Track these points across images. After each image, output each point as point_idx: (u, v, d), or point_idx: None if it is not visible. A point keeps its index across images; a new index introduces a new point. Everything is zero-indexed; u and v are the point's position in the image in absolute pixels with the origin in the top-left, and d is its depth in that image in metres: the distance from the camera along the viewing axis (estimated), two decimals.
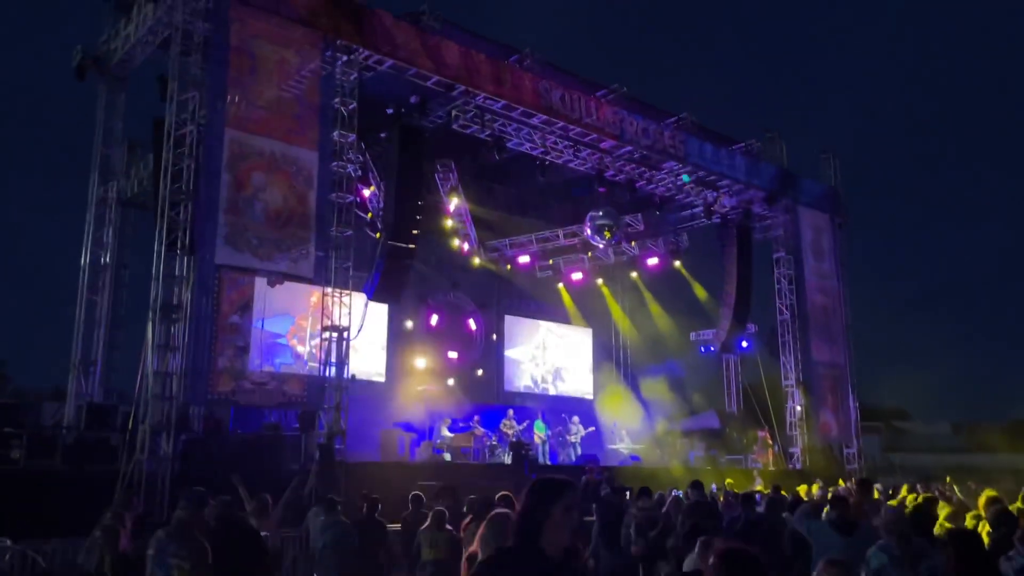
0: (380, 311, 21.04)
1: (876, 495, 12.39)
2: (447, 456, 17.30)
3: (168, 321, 11.85)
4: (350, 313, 13.86)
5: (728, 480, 15.72)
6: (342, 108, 14.33)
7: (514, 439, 18.12)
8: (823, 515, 6.66)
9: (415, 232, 15.43)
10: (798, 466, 21.65)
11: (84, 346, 14.69)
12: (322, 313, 13.67)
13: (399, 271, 15.26)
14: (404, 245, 15.13)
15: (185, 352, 12.01)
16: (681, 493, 9.37)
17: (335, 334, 13.60)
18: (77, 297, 14.84)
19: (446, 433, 18.14)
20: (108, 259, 15.07)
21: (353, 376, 13.95)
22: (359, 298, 15.07)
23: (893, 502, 9.49)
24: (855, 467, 22.65)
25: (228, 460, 12.86)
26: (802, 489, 15.15)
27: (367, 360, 20.84)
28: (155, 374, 11.62)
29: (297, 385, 13.20)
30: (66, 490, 10.89)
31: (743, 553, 2.87)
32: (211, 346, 12.08)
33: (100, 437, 11.96)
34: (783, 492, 11.02)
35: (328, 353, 13.46)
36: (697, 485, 8.62)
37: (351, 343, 20.36)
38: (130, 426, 11.90)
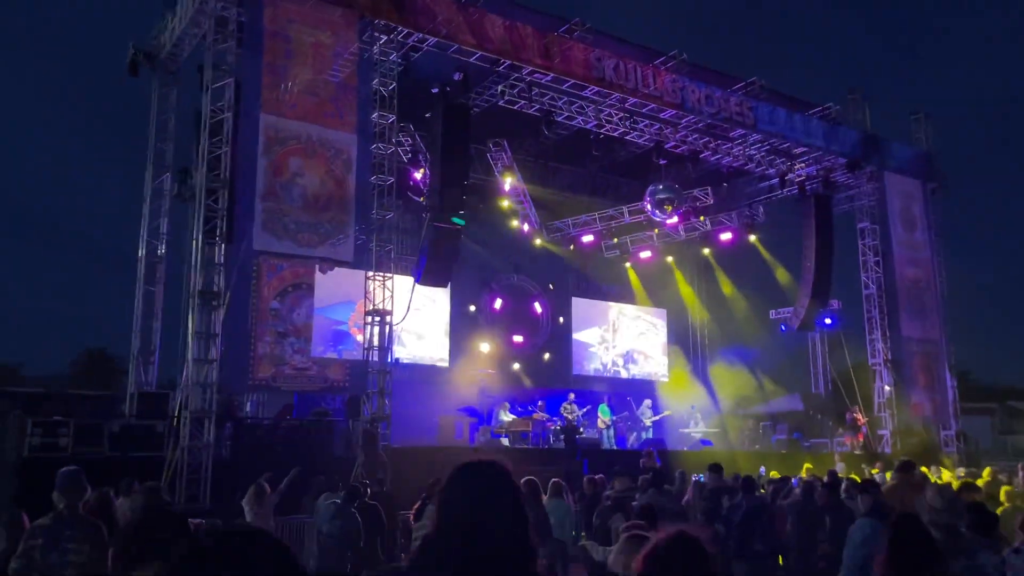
0: (442, 296, 20.89)
1: (942, 477, 11.30)
2: (505, 441, 16.94)
3: (208, 309, 11.88)
4: (393, 297, 13.61)
5: (807, 465, 14.72)
6: (381, 89, 14.07)
7: (574, 423, 17.59)
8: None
9: (462, 213, 15.06)
10: (887, 450, 20.25)
11: (143, 337, 15.00)
12: (365, 297, 13.48)
13: (447, 253, 14.90)
14: (451, 226, 14.76)
15: (225, 339, 12.05)
16: (703, 478, 8.68)
17: (378, 318, 13.38)
18: (135, 289, 15.16)
19: (505, 417, 17.79)
20: (164, 250, 15.32)
21: (398, 360, 13.71)
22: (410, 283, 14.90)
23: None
24: (953, 450, 21.07)
25: (275, 447, 12.94)
26: (875, 471, 14.11)
27: (431, 346, 20.76)
28: (195, 361, 11.68)
29: (339, 371, 13.07)
30: (110, 478, 11.07)
31: (673, 547, 2.23)
32: (251, 333, 12.04)
33: (147, 425, 12.10)
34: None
35: (371, 337, 13.25)
36: (716, 468, 7.91)
37: (411, 328, 20.51)
38: (175, 414, 12.04)
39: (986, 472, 11.72)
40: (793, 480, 9.56)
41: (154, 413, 12.71)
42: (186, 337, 12.25)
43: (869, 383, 21.28)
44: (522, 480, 7.51)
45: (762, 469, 9.67)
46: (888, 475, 12.52)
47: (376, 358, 13.30)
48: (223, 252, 12.07)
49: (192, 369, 11.71)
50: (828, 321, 22.15)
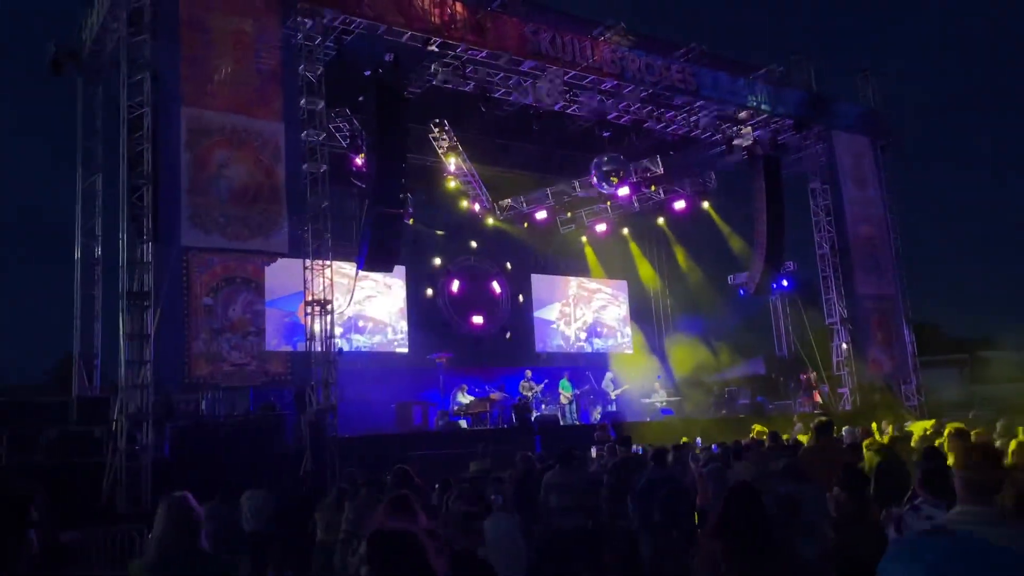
0: (398, 282, 20.75)
1: (890, 436, 11.36)
2: (463, 423, 16.89)
3: (138, 309, 11.65)
4: (333, 285, 13.44)
5: (757, 427, 14.77)
6: (308, 75, 13.79)
7: (532, 400, 17.55)
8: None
9: (402, 196, 14.88)
10: (847, 407, 20.42)
11: (84, 340, 14.75)
12: (304, 288, 13.30)
13: (389, 238, 14.70)
14: (392, 211, 14.57)
15: (160, 339, 11.84)
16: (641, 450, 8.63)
17: (319, 308, 13.20)
18: (73, 292, 14.87)
19: (463, 400, 17.73)
20: (100, 251, 15.03)
21: (341, 350, 13.55)
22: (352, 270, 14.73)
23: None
24: (914, 403, 21.29)
25: (220, 444, 12.76)
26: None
27: (389, 332, 20.63)
28: (128, 363, 11.47)
29: (281, 364, 12.90)
30: (46, 484, 10.90)
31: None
32: (184, 331, 11.84)
33: (85, 431, 11.90)
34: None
35: (312, 328, 13.08)
36: (625, 441, 7.88)
37: (368, 316, 20.36)
38: (113, 418, 11.84)
39: (928, 424, 11.83)
40: (713, 447, 9.55)
41: (95, 418, 12.50)
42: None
43: (828, 342, 21.41)
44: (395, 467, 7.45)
45: (698, 440, 9.64)
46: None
47: (319, 348, 13.12)
48: (151, 250, 11.81)
49: (126, 371, 11.50)
50: (785, 283, 22.20)
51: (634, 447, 10.36)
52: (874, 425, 15.14)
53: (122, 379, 11.52)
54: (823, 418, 7.73)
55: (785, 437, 11.19)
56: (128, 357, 11.51)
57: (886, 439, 9.59)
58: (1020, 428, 8.40)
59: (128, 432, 11.42)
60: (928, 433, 9.28)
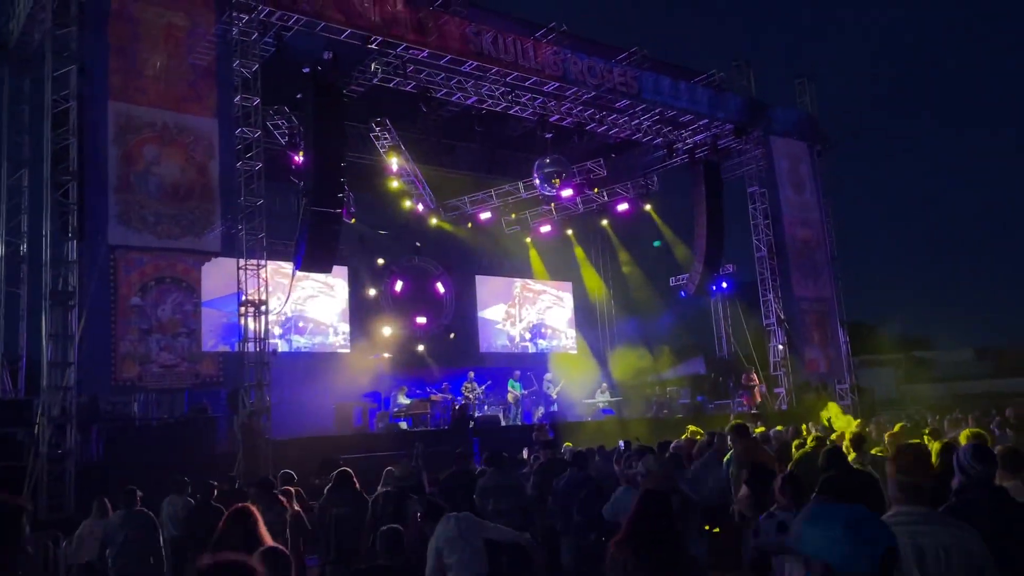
0: (340, 282, 20.55)
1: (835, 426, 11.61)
2: (404, 425, 16.78)
3: (62, 309, 11.33)
4: (267, 286, 13.24)
5: (691, 428, 14.97)
6: (244, 71, 13.56)
7: (475, 401, 17.54)
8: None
9: (341, 196, 14.70)
10: (784, 407, 20.85)
11: (7, 341, 14.28)
12: (237, 288, 13.07)
13: (327, 238, 14.51)
14: (329, 210, 14.40)
15: (87, 340, 11.53)
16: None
17: (252, 309, 12.99)
18: None
19: (403, 401, 17.61)
20: (25, 249, 14.57)
21: (275, 351, 13.35)
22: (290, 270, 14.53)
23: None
24: (848, 403, 21.81)
25: (150, 447, 12.50)
26: (759, 430, 14.43)
27: (330, 332, 20.42)
28: (51, 365, 11.14)
29: (212, 365, 12.65)
30: None
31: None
32: (111, 331, 11.54)
33: (6, 434, 11.54)
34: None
35: (245, 329, 12.87)
36: (550, 444, 7.96)
37: (309, 316, 20.12)
38: (36, 420, 11.49)
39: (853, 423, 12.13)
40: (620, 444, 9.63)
41: (17, 420, 12.13)
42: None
43: (766, 343, 21.83)
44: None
45: (620, 444, 9.75)
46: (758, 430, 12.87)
47: (253, 349, 12.91)
48: (75, 249, 11.49)
49: (49, 373, 11.16)
50: (724, 285, 22.57)
51: (579, 448, 10.44)
52: (803, 426, 15.52)
53: (45, 381, 11.17)
54: (736, 421, 7.87)
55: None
56: (51, 358, 11.18)
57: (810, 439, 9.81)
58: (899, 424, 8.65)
59: (51, 436, 11.09)
60: (849, 433, 9.51)
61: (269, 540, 3.69)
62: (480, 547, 5.24)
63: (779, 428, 12.48)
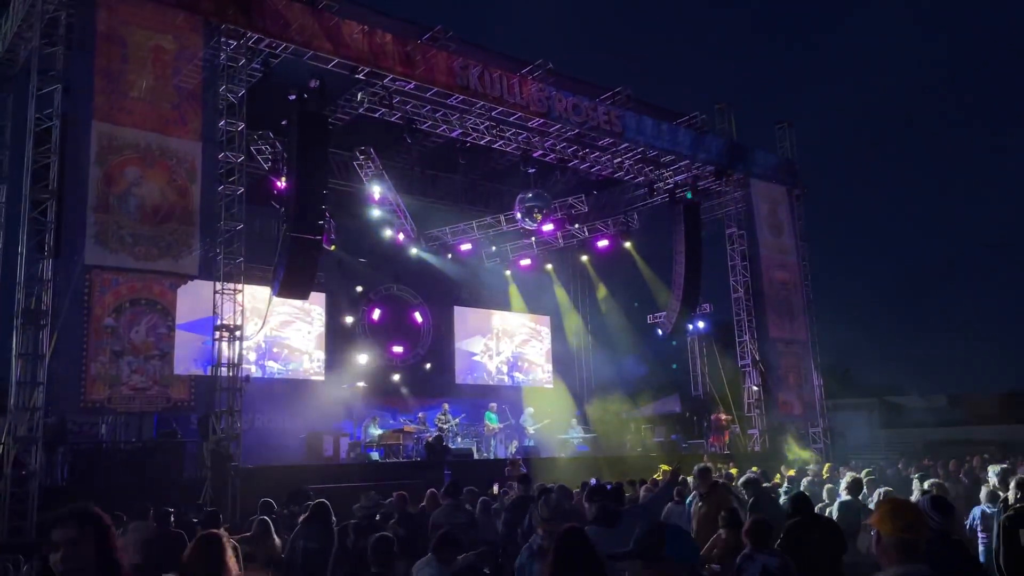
0: (317, 308, 20.47)
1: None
2: (375, 455, 16.64)
3: (34, 328, 11.19)
4: (244, 311, 13.17)
5: (664, 467, 14.98)
6: (230, 95, 13.62)
7: (448, 433, 17.44)
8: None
9: (321, 223, 14.74)
10: (757, 448, 20.92)
11: None
12: (213, 312, 13.00)
13: (306, 265, 14.49)
14: (309, 236, 14.39)
15: (57, 360, 11.39)
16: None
17: (227, 333, 12.91)
18: None
19: (375, 431, 17.48)
20: None
21: (247, 377, 13.24)
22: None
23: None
24: (820, 446, 21.92)
25: (116, 470, 12.30)
26: (733, 471, 14.45)
27: (305, 359, 20.31)
28: (19, 384, 10.98)
29: (183, 390, 12.51)
30: None
31: None
32: (82, 352, 11.40)
33: None
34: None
35: (219, 354, 12.77)
36: (524, 479, 7.96)
37: (284, 342, 20.00)
38: (2, 440, 11.28)
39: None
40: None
41: None
42: None
43: (740, 384, 21.95)
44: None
45: (592, 480, 9.79)
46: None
47: (225, 374, 12.80)
48: (50, 267, 11.40)
49: (17, 392, 11.00)
50: (700, 325, 22.72)
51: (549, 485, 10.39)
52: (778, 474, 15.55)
53: (12, 400, 11.00)
54: (704, 464, 7.93)
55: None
56: (19, 378, 11.02)
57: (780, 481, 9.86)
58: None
59: (16, 456, 10.89)
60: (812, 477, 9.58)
61: (235, 568, 3.64)
62: None
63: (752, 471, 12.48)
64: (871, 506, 8.20)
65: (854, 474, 10.03)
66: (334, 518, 7.33)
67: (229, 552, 3.72)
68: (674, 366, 25.88)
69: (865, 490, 8.72)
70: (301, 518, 7.42)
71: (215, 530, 4.42)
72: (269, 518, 8.09)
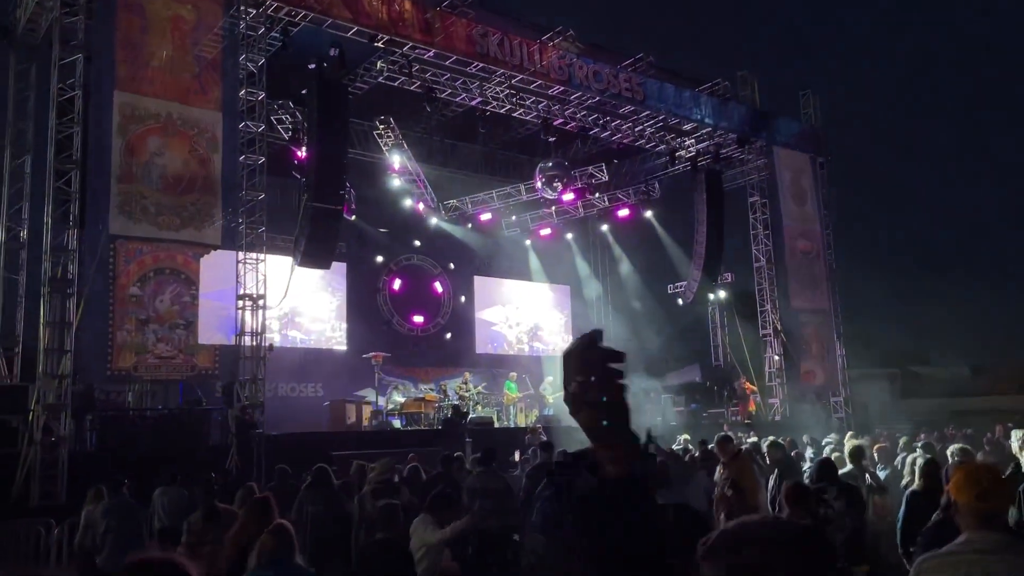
0: (339, 278, 20.55)
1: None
2: (397, 423, 16.80)
3: (60, 297, 11.35)
4: (266, 280, 13.26)
5: (684, 436, 15.01)
6: (250, 65, 13.59)
7: (469, 402, 17.55)
8: None
9: (342, 193, 14.75)
10: (778, 418, 20.88)
11: (5, 327, 14.29)
12: (236, 281, 13.10)
13: (327, 235, 14.55)
14: (330, 207, 14.42)
15: (85, 328, 11.56)
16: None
17: (250, 302, 13.01)
18: None
19: (398, 399, 17.63)
20: (25, 235, 14.58)
21: (271, 346, 13.37)
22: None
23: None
24: (842, 416, 21.84)
25: (143, 437, 12.51)
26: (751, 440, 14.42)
27: (327, 329, 20.44)
28: (47, 352, 11.16)
29: (207, 358, 12.66)
30: None
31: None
32: (108, 321, 11.56)
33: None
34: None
35: (242, 323, 12.89)
36: (546, 447, 8.02)
37: (306, 312, 20.14)
38: (31, 407, 11.51)
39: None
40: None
41: (11, 407, 12.12)
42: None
43: (762, 353, 21.87)
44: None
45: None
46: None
47: (249, 343, 12.94)
48: (76, 237, 11.52)
49: (45, 360, 11.18)
50: (722, 294, 22.60)
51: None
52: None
53: (40, 368, 11.19)
54: (725, 433, 7.97)
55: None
56: (48, 345, 11.20)
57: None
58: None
59: (46, 423, 11.10)
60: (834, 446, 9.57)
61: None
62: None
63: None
64: (880, 474, 8.19)
65: (856, 442, 9.99)
66: (335, 481, 7.47)
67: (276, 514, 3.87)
68: (693, 336, 25.80)
69: (875, 457, 8.70)
70: (304, 485, 7.52)
71: (265, 494, 4.54)
72: (289, 485, 8.21)
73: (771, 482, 7.39)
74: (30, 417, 11.40)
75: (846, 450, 8.35)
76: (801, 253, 22.20)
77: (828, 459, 7.94)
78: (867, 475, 7.61)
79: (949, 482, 2.95)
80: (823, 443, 12.85)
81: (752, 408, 21.11)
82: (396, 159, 18.96)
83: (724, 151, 21.17)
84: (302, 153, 16.98)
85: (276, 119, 16.75)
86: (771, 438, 9.81)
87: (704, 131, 20.55)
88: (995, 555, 2.63)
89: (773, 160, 21.81)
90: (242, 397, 12.60)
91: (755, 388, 21.18)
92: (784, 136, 22.20)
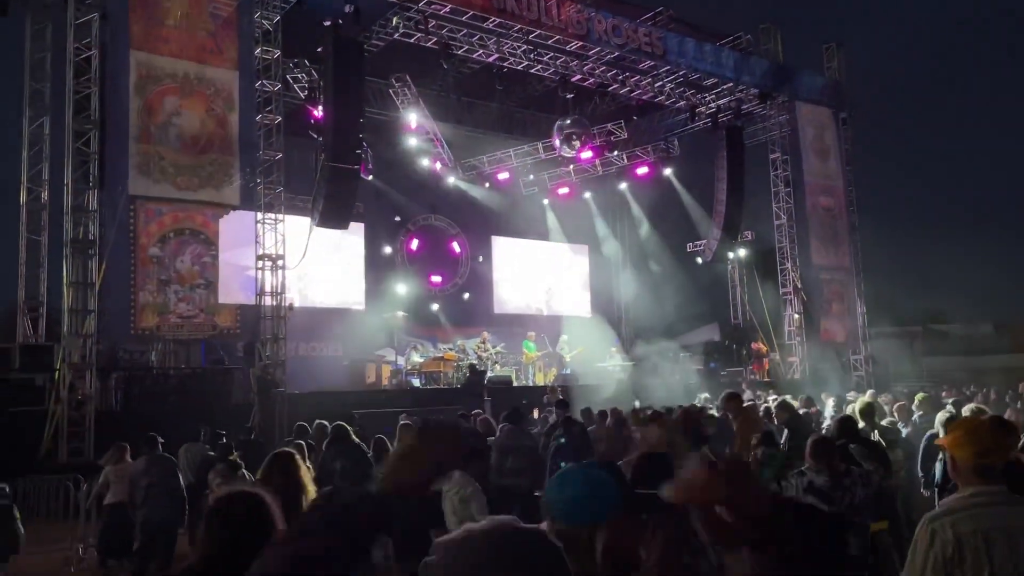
0: (356, 239, 20.56)
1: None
2: (416, 382, 16.93)
3: (83, 257, 11.45)
4: (285, 240, 13.30)
5: (704, 395, 15.03)
6: (265, 22, 13.47)
7: (488, 361, 17.64)
8: None
9: (359, 152, 14.69)
10: (797, 375, 20.83)
11: (29, 287, 14.45)
12: (255, 241, 13.14)
13: (345, 194, 14.53)
14: (347, 166, 14.37)
15: (107, 289, 11.67)
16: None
17: (270, 263, 13.07)
18: (18, 238, 14.53)
19: (416, 359, 17.74)
20: (47, 196, 14.66)
21: (291, 306, 13.45)
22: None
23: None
24: (861, 374, 21.75)
25: (168, 396, 12.70)
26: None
27: (346, 289, 20.50)
28: (71, 311, 11.29)
29: (229, 317, 12.76)
30: None
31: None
32: (130, 281, 11.65)
33: (26, 379, 11.73)
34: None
35: (262, 283, 12.96)
36: (561, 404, 8.05)
37: (325, 272, 20.20)
38: (57, 366, 11.69)
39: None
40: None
41: (38, 366, 12.33)
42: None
43: (782, 312, 21.74)
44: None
45: (636, 402, 9.91)
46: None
47: (270, 303, 13.02)
48: (96, 198, 11.57)
49: (69, 320, 11.32)
50: (742, 252, 22.43)
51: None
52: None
53: (65, 327, 11.34)
54: (732, 390, 8.00)
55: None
56: (72, 305, 11.34)
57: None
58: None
59: (71, 382, 11.29)
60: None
61: (311, 486, 3.78)
62: None
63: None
64: (903, 431, 8.18)
65: (867, 399, 9.95)
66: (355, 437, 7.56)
67: (303, 470, 3.89)
68: (713, 295, 25.67)
69: (895, 415, 8.68)
70: (325, 443, 7.57)
71: (286, 448, 4.57)
72: (305, 442, 8.30)
73: (783, 442, 7.38)
74: (56, 376, 11.58)
75: (857, 407, 8.34)
76: (823, 210, 21.94)
77: (849, 416, 7.95)
78: (876, 432, 7.59)
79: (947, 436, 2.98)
80: (847, 398, 12.86)
81: (766, 367, 21.07)
82: (412, 117, 18.79)
83: (745, 107, 20.81)
84: (318, 112, 16.90)
85: (292, 78, 16.63)
86: (780, 398, 9.80)
87: (725, 86, 20.18)
88: (1001, 507, 2.71)
89: (795, 116, 21.43)
90: (263, 356, 12.71)
91: (767, 349, 21.12)
92: (807, 91, 21.78)
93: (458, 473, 5.52)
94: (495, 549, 1.19)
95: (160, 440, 7.86)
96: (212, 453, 8.43)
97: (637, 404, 13.41)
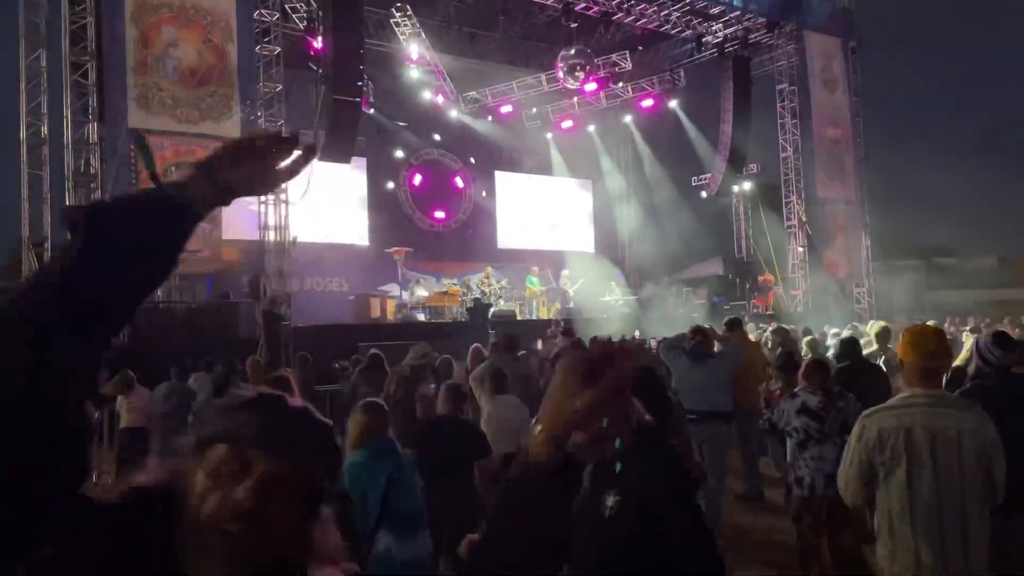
0: (359, 174, 20.42)
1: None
2: (421, 316, 17.02)
3: (85, 190, 11.41)
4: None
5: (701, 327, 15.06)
6: None
7: (492, 296, 17.68)
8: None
9: (360, 84, 14.48)
10: (800, 308, 20.90)
11: (33, 223, 14.40)
12: None
13: (346, 127, 14.38)
14: (349, 98, 14.19)
15: None
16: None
17: (272, 197, 13.02)
18: (20, 173, 14.42)
19: (421, 293, 17.78)
20: (47, 131, 14.50)
21: (295, 240, 13.44)
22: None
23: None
24: (864, 306, 21.83)
25: (175, 330, 12.80)
26: None
27: (349, 224, 20.46)
28: None
29: (234, 252, 12.78)
30: None
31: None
32: None
33: None
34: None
35: (265, 217, 12.93)
36: (568, 332, 8.11)
37: (328, 207, 20.13)
38: None
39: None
40: None
41: None
42: None
43: (786, 245, 21.70)
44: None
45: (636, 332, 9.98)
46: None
47: (273, 238, 13.02)
48: (96, 131, 11.46)
49: None
50: (747, 186, 22.27)
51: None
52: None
53: None
54: (734, 316, 8.11)
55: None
56: None
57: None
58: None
59: None
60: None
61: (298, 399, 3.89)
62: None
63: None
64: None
65: (883, 323, 10.00)
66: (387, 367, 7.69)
67: (297, 394, 3.98)
68: (717, 229, 25.60)
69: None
70: (358, 368, 7.74)
71: (284, 372, 4.67)
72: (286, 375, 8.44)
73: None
74: None
75: (872, 331, 8.39)
76: (830, 141, 21.70)
77: (852, 337, 8.03)
78: (886, 356, 7.66)
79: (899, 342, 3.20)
80: (846, 327, 12.93)
81: (771, 300, 21.11)
82: (414, 49, 18.46)
83: (753, 36, 20.40)
84: (318, 44, 16.62)
85: (291, 7, 16.29)
86: (777, 325, 9.90)
87: (732, 15, 19.77)
88: (931, 408, 2.96)
89: (803, 45, 21.03)
90: (268, 290, 12.77)
91: (775, 281, 21.13)
92: (816, 19, 21.33)
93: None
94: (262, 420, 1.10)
95: (174, 370, 8.01)
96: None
97: (637, 334, 13.55)
